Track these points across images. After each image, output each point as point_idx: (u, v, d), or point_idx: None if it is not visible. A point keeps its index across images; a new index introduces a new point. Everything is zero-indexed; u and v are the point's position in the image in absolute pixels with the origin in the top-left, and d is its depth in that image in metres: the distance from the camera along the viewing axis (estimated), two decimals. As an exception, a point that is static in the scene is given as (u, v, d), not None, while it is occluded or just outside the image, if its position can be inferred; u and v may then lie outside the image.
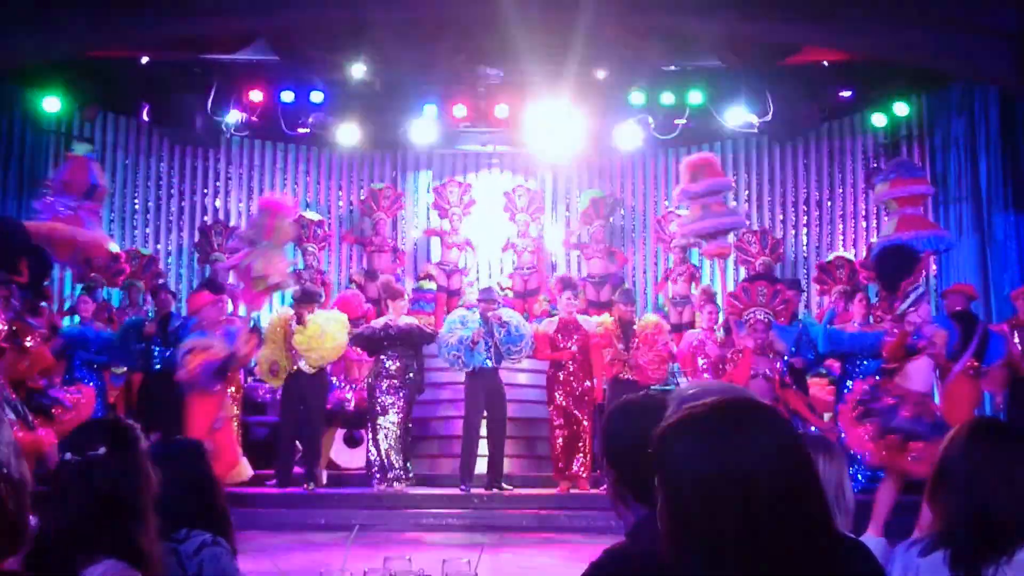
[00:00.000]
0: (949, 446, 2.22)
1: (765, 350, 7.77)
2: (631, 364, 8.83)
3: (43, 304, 8.07)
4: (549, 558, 7.07)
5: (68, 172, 8.51)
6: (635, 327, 9.02)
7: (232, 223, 12.08)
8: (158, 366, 8.72)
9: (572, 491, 8.76)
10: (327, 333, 8.75)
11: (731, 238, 10.45)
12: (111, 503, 2.18)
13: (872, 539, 3.79)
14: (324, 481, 9.09)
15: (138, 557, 2.17)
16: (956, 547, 2.11)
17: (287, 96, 11.25)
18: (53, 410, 7.21)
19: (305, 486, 8.75)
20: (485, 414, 8.94)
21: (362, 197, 12.30)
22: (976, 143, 10.40)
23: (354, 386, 9.47)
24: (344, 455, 9.79)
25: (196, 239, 11.95)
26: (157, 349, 8.71)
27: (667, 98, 11.22)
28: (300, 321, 8.78)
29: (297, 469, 9.09)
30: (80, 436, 2.28)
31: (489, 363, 8.83)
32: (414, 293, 10.66)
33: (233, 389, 8.82)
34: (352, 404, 9.44)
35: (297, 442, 9.17)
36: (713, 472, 1.27)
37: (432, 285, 11.01)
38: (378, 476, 8.70)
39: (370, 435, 8.82)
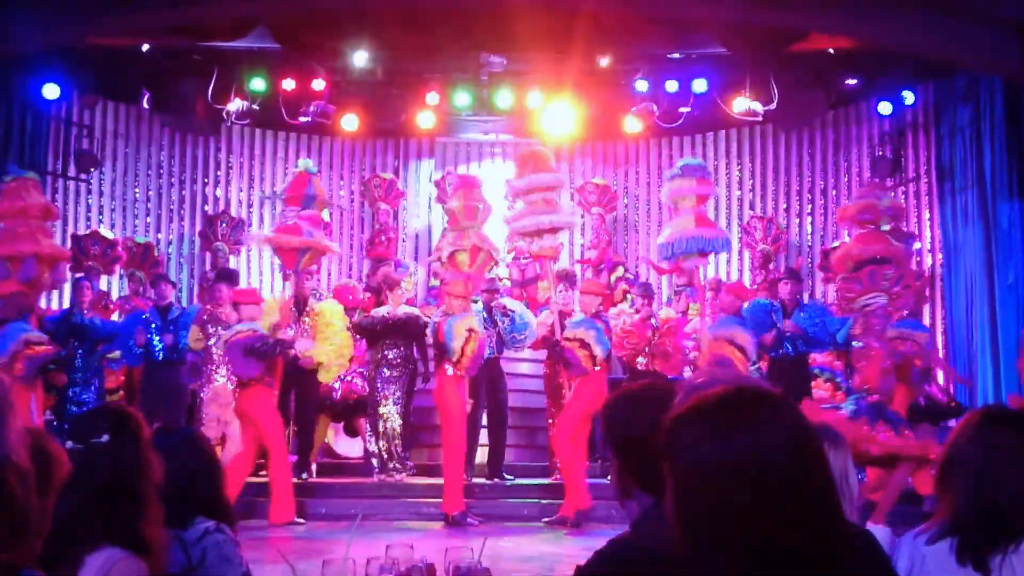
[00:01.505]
0: (959, 434, 2.20)
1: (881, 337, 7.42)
2: (657, 353, 8.79)
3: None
4: (551, 547, 7.07)
5: (290, 187, 9.06)
6: (654, 320, 9.00)
7: (233, 212, 12.06)
8: (159, 356, 8.69)
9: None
10: (342, 345, 8.79)
11: (561, 237, 9.57)
12: (114, 491, 2.19)
13: (878, 529, 3.77)
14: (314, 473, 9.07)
15: (141, 544, 2.18)
16: (964, 536, 2.10)
17: (288, 84, 11.21)
18: None
19: (298, 477, 8.75)
20: (485, 403, 8.94)
21: (361, 188, 12.32)
22: (981, 132, 10.36)
23: (344, 377, 9.39)
24: (344, 445, 9.79)
25: (200, 227, 11.92)
26: (158, 339, 8.68)
27: (671, 86, 11.17)
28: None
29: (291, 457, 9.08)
30: (83, 424, 2.29)
31: (490, 352, 8.82)
32: (427, 292, 10.77)
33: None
34: (339, 394, 9.39)
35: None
36: (724, 460, 1.26)
37: (435, 281, 10.99)
38: (378, 466, 8.70)
39: (370, 425, 8.82)
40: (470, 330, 8.08)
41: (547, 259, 9.00)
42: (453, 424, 8.13)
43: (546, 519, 8.05)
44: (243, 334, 7.81)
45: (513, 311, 8.91)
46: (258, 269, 12.42)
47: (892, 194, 9.65)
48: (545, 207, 8.58)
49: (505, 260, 11.50)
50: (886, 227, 7.89)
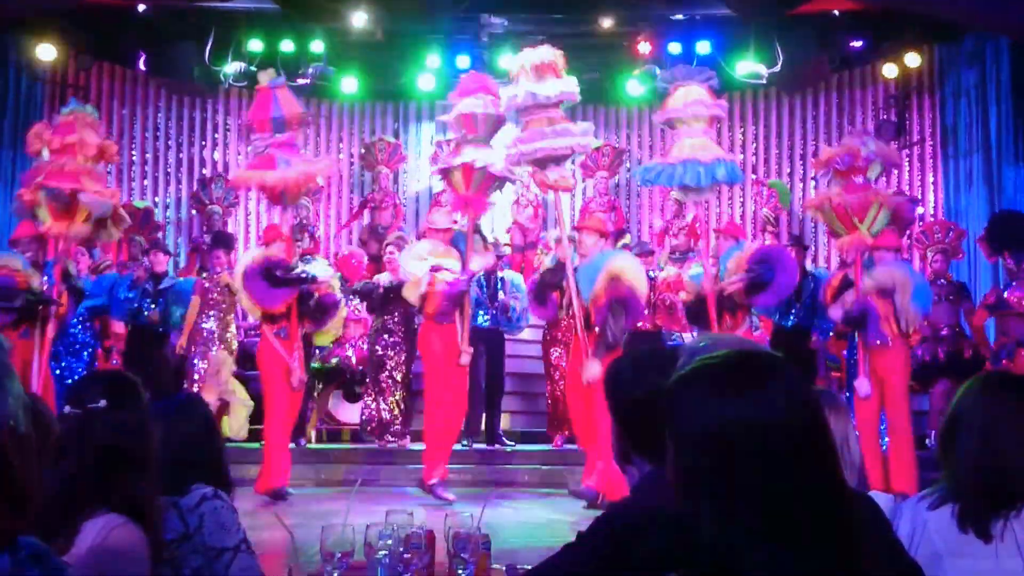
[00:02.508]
0: (962, 399, 2.18)
1: None
2: (660, 306, 8.73)
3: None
4: (550, 512, 7.10)
5: (254, 110, 7.71)
6: (654, 277, 8.91)
7: (231, 176, 11.98)
8: (145, 320, 8.64)
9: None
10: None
11: (569, 166, 8.22)
12: (111, 456, 2.18)
13: (879, 495, 3.78)
14: (311, 440, 9.06)
15: (138, 510, 2.18)
16: (965, 501, 2.09)
17: (286, 46, 11.09)
18: None
19: (295, 443, 8.77)
20: (485, 369, 8.94)
21: (362, 151, 12.19)
22: (987, 95, 10.31)
23: (354, 343, 9.38)
24: (344, 411, 9.81)
25: (194, 188, 11.83)
26: (147, 305, 8.63)
27: (674, 48, 11.06)
28: None
29: None
30: (80, 389, 2.27)
31: (487, 323, 8.80)
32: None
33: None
34: (355, 361, 9.38)
35: None
36: (725, 423, 1.26)
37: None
38: (378, 432, 8.73)
39: (371, 391, 8.82)
40: (435, 268, 7.33)
41: (562, 191, 7.65)
42: (434, 375, 7.51)
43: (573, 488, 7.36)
44: (258, 259, 7.33)
45: (513, 305, 8.84)
46: (256, 234, 12.38)
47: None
48: (561, 128, 7.20)
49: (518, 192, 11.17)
50: (874, 174, 7.38)
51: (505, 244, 11.09)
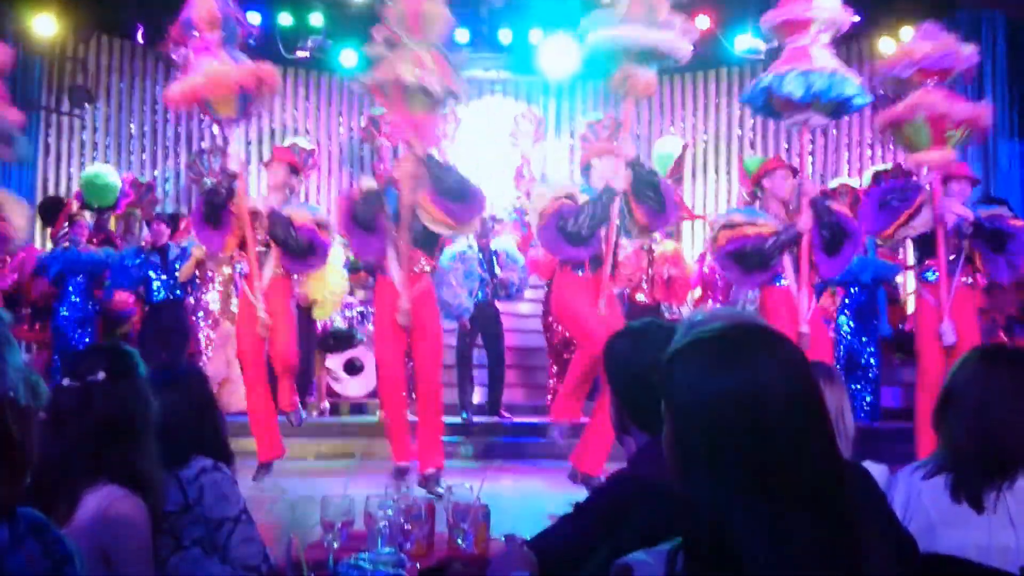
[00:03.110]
0: (959, 371, 2.21)
1: None
2: (657, 280, 8.73)
3: None
4: (550, 484, 7.14)
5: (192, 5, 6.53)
6: (653, 251, 8.91)
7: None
8: (160, 296, 8.66)
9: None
10: (336, 282, 8.69)
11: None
12: (111, 428, 2.19)
13: (875, 466, 3.80)
14: (304, 415, 9.01)
15: (139, 481, 2.19)
16: (959, 472, 2.12)
17: (285, 19, 11.02)
18: None
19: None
20: (483, 344, 8.96)
21: (362, 124, 12.12)
22: (982, 70, 10.29)
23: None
24: (344, 384, 9.83)
25: (190, 161, 11.78)
26: (157, 278, 8.65)
27: (673, 22, 10.99)
28: None
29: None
30: (79, 361, 2.27)
31: (484, 297, 8.81)
32: None
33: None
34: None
35: None
36: (720, 395, 1.27)
37: None
38: (380, 403, 8.77)
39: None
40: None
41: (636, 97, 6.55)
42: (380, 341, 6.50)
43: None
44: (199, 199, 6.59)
45: (518, 264, 8.84)
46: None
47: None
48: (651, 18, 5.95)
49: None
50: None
51: (511, 212, 11.04)
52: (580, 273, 6.03)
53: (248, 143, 12.44)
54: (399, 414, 6.45)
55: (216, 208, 6.35)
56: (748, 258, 6.02)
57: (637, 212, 6.07)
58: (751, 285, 6.53)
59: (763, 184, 6.30)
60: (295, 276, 6.96)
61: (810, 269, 6.03)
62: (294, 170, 6.88)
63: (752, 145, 12.32)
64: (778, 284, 6.11)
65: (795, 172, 6.28)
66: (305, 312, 8.70)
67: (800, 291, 6.03)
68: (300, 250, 6.49)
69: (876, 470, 2.67)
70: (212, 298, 8.63)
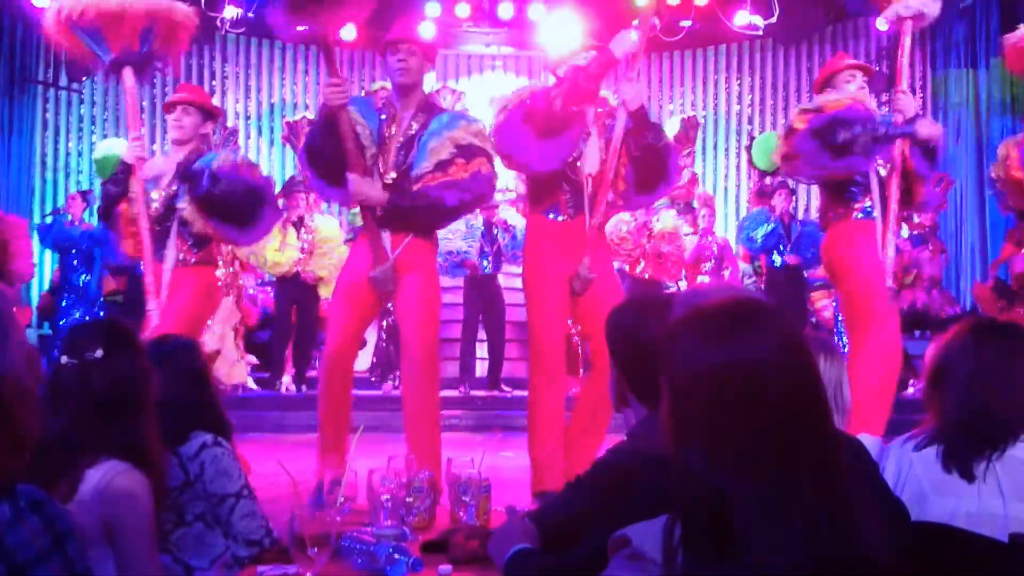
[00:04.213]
0: (950, 343, 2.24)
1: None
2: (651, 256, 8.75)
3: None
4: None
5: None
6: (651, 226, 8.93)
7: (230, 124, 11.89)
8: None
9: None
10: (341, 260, 8.66)
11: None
12: (110, 405, 2.18)
13: (868, 438, 3.84)
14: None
15: (140, 456, 2.19)
16: (950, 442, 2.15)
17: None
18: None
19: (297, 390, 8.82)
20: (482, 319, 8.99)
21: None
22: (976, 48, 10.30)
23: None
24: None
25: None
26: None
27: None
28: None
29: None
30: (76, 339, 2.26)
31: (488, 268, 8.84)
32: None
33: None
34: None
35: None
36: (716, 368, 1.28)
37: None
38: (381, 376, 8.84)
39: (377, 336, 8.90)
40: None
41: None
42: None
43: None
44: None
45: (514, 226, 8.87)
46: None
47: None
48: None
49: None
50: None
51: (511, 191, 11.02)
52: (559, 219, 4.57)
53: (247, 119, 12.40)
54: (336, 406, 4.35)
55: (108, 212, 5.03)
56: (848, 127, 4.69)
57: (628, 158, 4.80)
58: (839, 169, 4.85)
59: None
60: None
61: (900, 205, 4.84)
62: (209, 115, 5.15)
63: (751, 121, 12.29)
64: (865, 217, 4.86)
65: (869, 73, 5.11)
66: (312, 289, 8.75)
67: (886, 232, 4.80)
68: (235, 202, 4.75)
69: (868, 442, 2.71)
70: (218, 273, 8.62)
